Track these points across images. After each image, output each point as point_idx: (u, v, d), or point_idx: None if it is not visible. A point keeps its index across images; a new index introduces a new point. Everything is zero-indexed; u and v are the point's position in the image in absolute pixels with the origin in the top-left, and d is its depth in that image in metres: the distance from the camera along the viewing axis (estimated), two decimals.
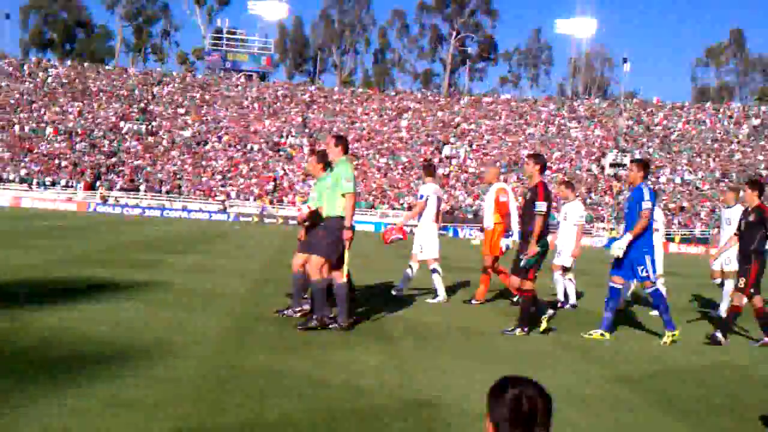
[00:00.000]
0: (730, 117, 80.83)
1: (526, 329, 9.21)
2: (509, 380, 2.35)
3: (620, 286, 9.59)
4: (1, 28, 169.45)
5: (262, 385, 5.83)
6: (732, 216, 12.10)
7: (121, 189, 61.17)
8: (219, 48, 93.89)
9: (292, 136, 75.33)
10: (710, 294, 15.26)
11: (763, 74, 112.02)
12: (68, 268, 13.04)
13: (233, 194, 63.23)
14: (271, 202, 61.29)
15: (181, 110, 78.60)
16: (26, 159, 64.28)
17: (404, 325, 9.34)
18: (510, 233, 11.57)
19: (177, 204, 59.73)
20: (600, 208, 62.55)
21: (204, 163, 67.78)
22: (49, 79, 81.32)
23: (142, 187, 62.20)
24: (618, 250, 9.28)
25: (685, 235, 57.68)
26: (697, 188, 66.35)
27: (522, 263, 9.34)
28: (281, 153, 71.56)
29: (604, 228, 57.91)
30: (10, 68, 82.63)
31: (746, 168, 69.24)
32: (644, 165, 9.67)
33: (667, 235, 58.26)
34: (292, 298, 9.55)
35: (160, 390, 5.49)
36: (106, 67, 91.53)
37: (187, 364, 6.41)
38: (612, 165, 71.05)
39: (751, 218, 9.78)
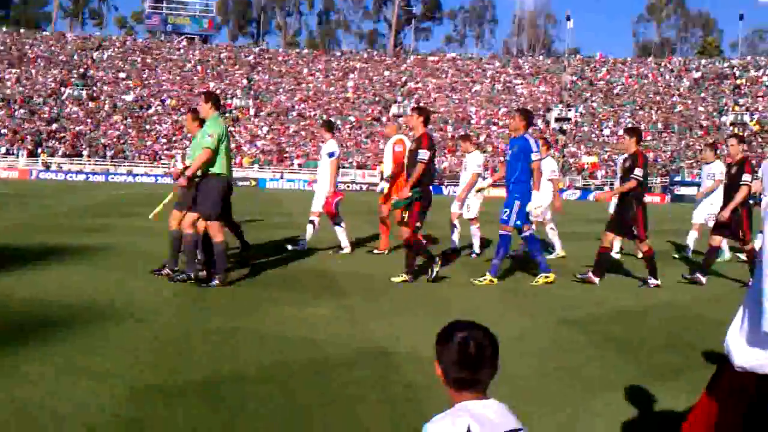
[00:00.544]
0: (671, 71, 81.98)
1: (410, 277, 9.33)
2: (456, 325, 2.41)
3: (508, 233, 9.58)
4: None
5: (217, 345, 5.87)
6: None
7: (64, 155, 59.87)
8: (159, 11, 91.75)
9: (237, 98, 74.37)
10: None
11: (703, 29, 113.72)
12: (14, 236, 12.82)
13: (179, 158, 62.35)
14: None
15: (123, 75, 76.90)
16: None
17: (353, 279, 9.44)
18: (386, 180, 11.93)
19: (122, 169, 58.75)
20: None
21: (148, 127, 66.63)
22: None
23: (85, 153, 60.94)
24: (537, 209, 9.49)
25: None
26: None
27: (393, 203, 9.52)
28: (227, 115, 70.68)
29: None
30: None
31: (687, 119, 70.55)
32: (527, 115, 9.74)
33: (611, 185, 59.33)
34: (169, 256, 9.26)
35: (114, 354, 5.48)
36: (44, 33, 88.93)
37: (141, 327, 6.41)
38: (557, 120, 71.82)
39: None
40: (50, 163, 57.53)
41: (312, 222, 12.26)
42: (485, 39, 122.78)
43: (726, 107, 72.40)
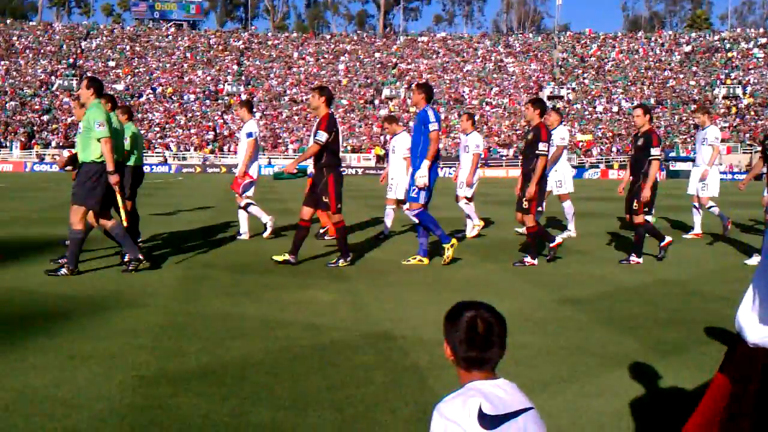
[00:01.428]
0: (662, 45, 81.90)
1: (348, 259, 9.26)
2: (463, 305, 2.41)
3: (419, 210, 9.44)
4: None
5: (220, 330, 5.87)
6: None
7: (58, 146, 59.67)
8: None
9: (228, 84, 74.09)
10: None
11: (692, 2, 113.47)
12: (13, 228, 12.79)
13: (172, 146, 62.22)
14: (212, 152, 60.53)
15: (112, 63, 76.52)
16: None
17: (355, 263, 9.44)
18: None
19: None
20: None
21: (140, 115, 66.41)
22: None
23: None
24: (421, 179, 9.22)
25: (623, 161, 58.75)
26: (631, 114, 67.38)
27: (274, 173, 9.56)
28: (219, 102, 70.44)
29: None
30: None
31: (679, 94, 70.56)
32: (426, 88, 9.52)
33: (606, 162, 59.39)
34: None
35: (118, 341, 5.49)
36: (30, 23, 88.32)
37: (143, 314, 6.41)
38: (550, 98, 71.75)
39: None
40: (44, 154, 57.36)
41: (243, 208, 12.07)
42: (474, 17, 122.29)
43: (718, 81, 72.38)
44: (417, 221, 9.43)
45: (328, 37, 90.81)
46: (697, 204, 12.90)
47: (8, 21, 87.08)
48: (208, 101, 70.81)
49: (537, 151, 9.34)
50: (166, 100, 69.63)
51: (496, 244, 11.72)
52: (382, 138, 65.21)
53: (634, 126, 10.33)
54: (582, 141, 63.54)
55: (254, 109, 12.34)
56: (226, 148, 62.76)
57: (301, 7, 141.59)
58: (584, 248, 11.39)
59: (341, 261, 9.22)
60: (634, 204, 9.73)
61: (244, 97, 71.03)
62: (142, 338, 5.58)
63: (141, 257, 8.48)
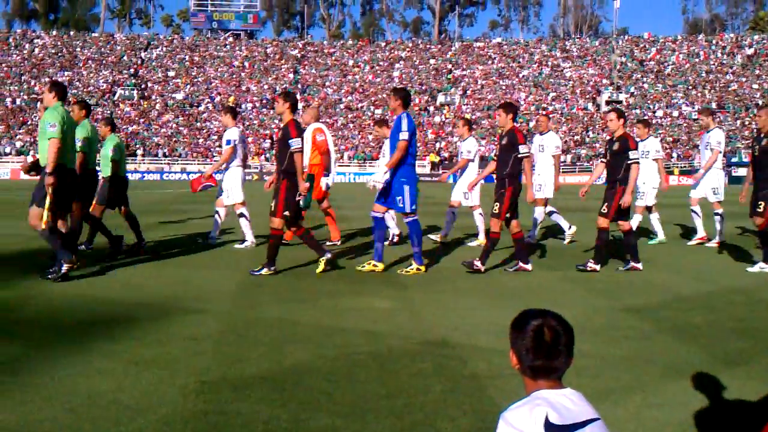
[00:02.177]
0: (723, 48, 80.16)
1: (272, 269, 9.02)
2: (530, 312, 2.39)
3: (381, 215, 9.36)
4: None
5: (279, 336, 5.92)
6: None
7: None
8: (204, 8, 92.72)
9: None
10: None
11: (754, 3, 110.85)
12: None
13: None
14: (267, 159, 61.20)
15: (171, 73, 77.97)
16: (21, 131, 63.99)
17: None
18: (328, 172, 11.50)
19: (176, 167, 59.63)
20: (598, 145, 62.40)
21: (199, 124, 67.51)
22: (36, 50, 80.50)
23: (140, 152, 62.02)
24: (373, 182, 9.11)
25: (684, 167, 57.68)
26: (693, 120, 66.09)
27: (303, 202, 9.13)
28: (275, 110, 71.25)
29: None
30: None
31: (742, 98, 68.95)
32: (403, 94, 9.31)
33: (666, 168, 58.30)
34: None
35: (179, 346, 5.58)
36: (93, 35, 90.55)
37: (203, 320, 6.51)
38: (608, 102, 70.77)
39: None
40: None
41: (218, 213, 12.05)
42: (530, 22, 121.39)
43: None
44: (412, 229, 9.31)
45: (383, 44, 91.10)
46: (695, 208, 12.54)
47: (71, 33, 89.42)
48: (264, 110, 71.63)
49: (518, 155, 9.14)
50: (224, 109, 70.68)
51: (551, 252, 11.59)
52: (437, 144, 65.09)
53: (609, 130, 10.07)
54: None
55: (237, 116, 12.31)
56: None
57: (356, 16, 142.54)
58: (644, 256, 11.18)
59: (265, 270, 8.97)
60: (603, 208, 9.51)
61: (300, 105, 71.65)
62: (203, 344, 5.66)
63: (65, 269, 8.27)
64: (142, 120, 68.18)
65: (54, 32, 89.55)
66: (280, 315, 6.75)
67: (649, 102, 70.79)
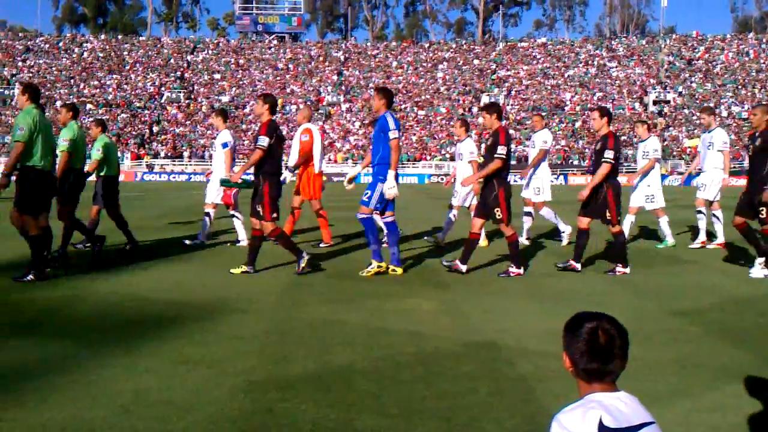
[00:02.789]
0: None
1: (251, 267, 9.10)
2: (584, 315, 2.38)
3: (368, 215, 9.11)
4: (33, 7, 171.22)
5: (324, 336, 5.94)
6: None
7: (166, 157, 61.90)
8: (249, 11, 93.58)
9: (328, 94, 75.21)
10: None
11: None
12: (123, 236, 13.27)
13: None
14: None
15: (217, 76, 78.84)
16: None
17: (454, 273, 9.37)
18: (295, 169, 11.72)
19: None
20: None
21: (244, 126, 68.15)
22: (85, 54, 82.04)
23: (186, 154, 62.84)
24: (391, 191, 8.90)
25: (734, 167, 56.60)
26: (743, 119, 64.82)
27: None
28: (320, 112, 71.60)
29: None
30: (47, 45, 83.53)
31: None
32: (386, 93, 9.16)
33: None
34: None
35: (225, 346, 5.63)
36: (140, 38, 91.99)
37: (249, 320, 6.57)
38: (655, 102, 69.83)
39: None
40: (153, 164, 59.60)
41: (208, 214, 12.00)
42: (576, 22, 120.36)
43: None
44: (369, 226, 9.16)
45: (427, 45, 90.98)
46: (702, 209, 12.07)
47: (119, 37, 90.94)
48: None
49: (495, 155, 8.99)
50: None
51: (596, 254, 11.45)
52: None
53: (594, 130, 9.80)
54: (689, 146, 61.51)
55: (228, 119, 12.32)
56: (326, 157, 63.83)
57: (399, 17, 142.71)
58: (691, 258, 11.02)
59: (303, 262, 9.03)
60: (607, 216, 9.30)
61: (344, 106, 71.96)
62: (249, 344, 5.71)
63: (29, 278, 8.31)
64: (188, 122, 69.05)
65: (102, 36, 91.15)
66: (324, 315, 6.78)
67: (697, 101, 69.60)
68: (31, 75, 75.84)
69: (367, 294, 7.86)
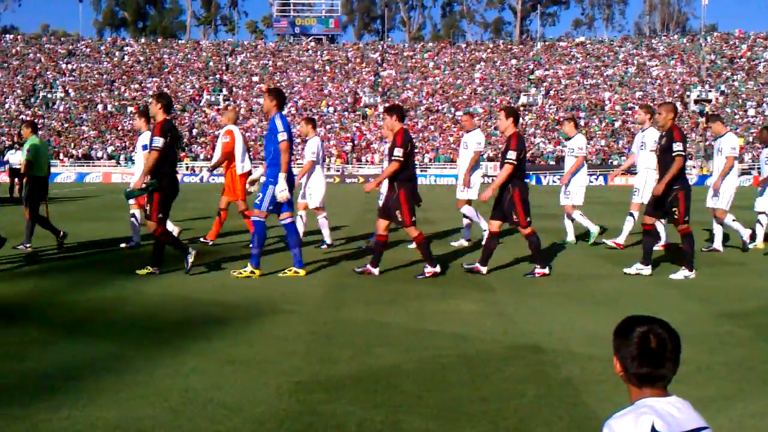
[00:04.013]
0: None
1: (156, 270, 9.10)
2: (635, 319, 2.35)
3: (260, 219, 9.04)
4: (74, 11, 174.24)
5: (369, 337, 5.95)
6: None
7: (205, 159, 62.49)
8: (287, 14, 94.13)
9: (365, 95, 75.35)
10: None
11: None
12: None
13: None
14: (346, 162, 61.81)
15: (255, 78, 79.41)
16: (112, 136, 66.22)
17: (496, 274, 9.34)
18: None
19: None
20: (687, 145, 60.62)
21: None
22: (126, 58, 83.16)
23: None
24: (282, 194, 8.82)
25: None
26: None
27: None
28: (357, 113, 71.75)
29: (693, 166, 56.13)
30: (88, 50, 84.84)
31: None
32: (278, 94, 9.13)
33: (759, 168, 56.24)
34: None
35: (270, 346, 5.67)
36: (179, 42, 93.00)
37: (294, 321, 6.60)
38: (696, 101, 68.81)
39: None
40: (194, 166, 60.29)
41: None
42: (615, 20, 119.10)
43: None
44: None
45: (464, 45, 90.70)
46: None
47: (159, 40, 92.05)
48: (346, 113, 72.27)
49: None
50: (306, 112, 71.55)
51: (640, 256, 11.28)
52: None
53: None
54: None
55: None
56: (363, 158, 63.89)
57: (436, 18, 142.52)
58: (740, 260, 10.84)
59: (190, 258, 9.09)
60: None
61: (381, 107, 72.01)
62: (295, 344, 5.74)
63: None
64: None
65: (142, 40, 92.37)
66: (368, 317, 6.79)
67: (740, 100, 68.47)
68: (73, 79, 77.12)
69: (409, 295, 7.85)
